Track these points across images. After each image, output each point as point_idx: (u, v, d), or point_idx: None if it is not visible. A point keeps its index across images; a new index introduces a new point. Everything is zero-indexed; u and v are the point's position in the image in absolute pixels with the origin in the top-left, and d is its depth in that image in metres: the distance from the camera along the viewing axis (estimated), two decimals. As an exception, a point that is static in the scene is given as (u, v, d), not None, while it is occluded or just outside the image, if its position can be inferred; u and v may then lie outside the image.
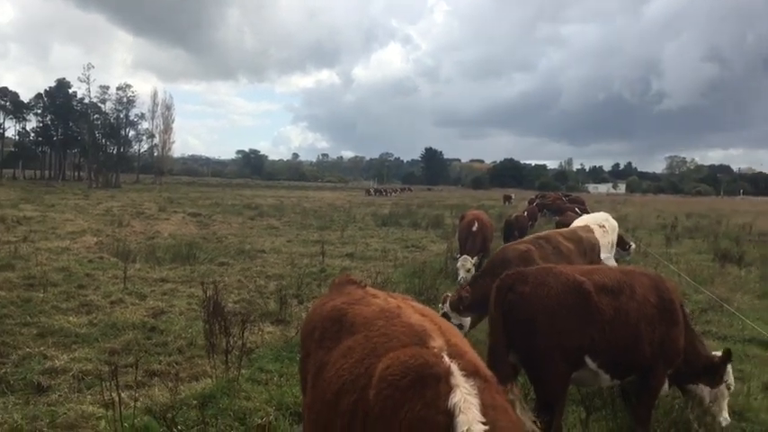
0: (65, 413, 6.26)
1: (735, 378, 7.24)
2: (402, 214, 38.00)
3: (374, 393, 3.10)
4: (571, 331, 5.50)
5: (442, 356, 3.09)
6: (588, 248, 10.15)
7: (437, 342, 3.25)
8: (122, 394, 6.38)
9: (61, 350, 8.42)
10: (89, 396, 6.82)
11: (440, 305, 8.56)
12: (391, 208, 45.80)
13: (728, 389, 6.23)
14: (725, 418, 6.14)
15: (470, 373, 3.02)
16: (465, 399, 2.83)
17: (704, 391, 6.18)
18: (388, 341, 3.40)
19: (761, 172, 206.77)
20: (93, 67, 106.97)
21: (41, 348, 8.38)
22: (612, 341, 5.57)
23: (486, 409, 2.84)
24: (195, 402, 6.55)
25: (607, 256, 11.66)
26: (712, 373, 6.11)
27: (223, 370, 7.47)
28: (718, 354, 6.17)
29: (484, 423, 2.76)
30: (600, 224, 13.22)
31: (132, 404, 6.27)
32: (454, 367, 3.00)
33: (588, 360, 5.59)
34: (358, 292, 4.19)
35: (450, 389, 2.88)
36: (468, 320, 8.50)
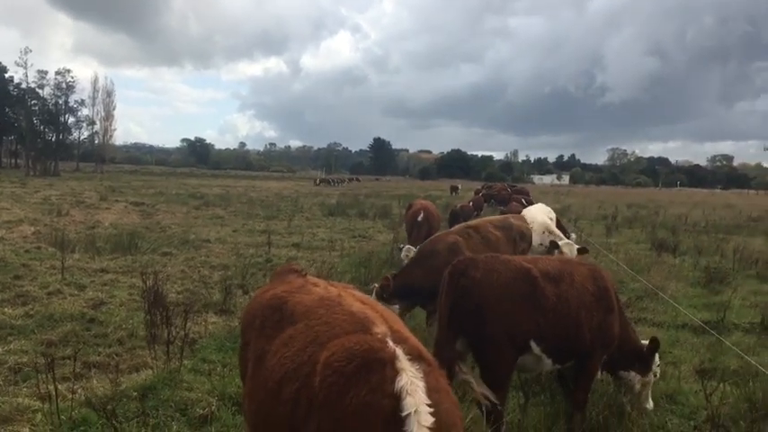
0: (0, 405, 6.09)
1: (667, 362, 7.60)
2: (349, 204, 38.00)
3: (319, 380, 3.11)
4: (519, 316, 5.68)
5: (387, 342, 3.11)
6: (518, 236, 10.25)
7: (380, 328, 3.28)
8: (60, 387, 6.30)
9: (-4, 342, 8.16)
10: (25, 389, 6.64)
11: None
12: (339, 198, 45.71)
13: (654, 376, 6.54)
14: (650, 404, 6.47)
15: (415, 357, 3.06)
16: (411, 381, 2.85)
17: (635, 378, 6.46)
18: (330, 329, 3.41)
19: (697, 164, 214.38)
20: (31, 51, 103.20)
21: (-25, 341, 8.12)
22: (556, 327, 5.77)
23: (430, 392, 2.88)
24: (135, 394, 6.46)
25: (566, 242, 11.84)
26: (643, 361, 6.41)
27: (164, 361, 7.38)
28: (647, 342, 6.45)
29: (429, 405, 2.81)
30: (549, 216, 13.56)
31: (70, 396, 6.16)
32: (399, 352, 3.02)
33: (533, 345, 5.75)
34: (298, 281, 4.19)
35: (396, 373, 2.90)
36: (395, 308, 8.57)
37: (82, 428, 5.67)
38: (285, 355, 3.49)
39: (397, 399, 2.81)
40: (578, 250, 11.38)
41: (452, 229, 10.60)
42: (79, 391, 6.53)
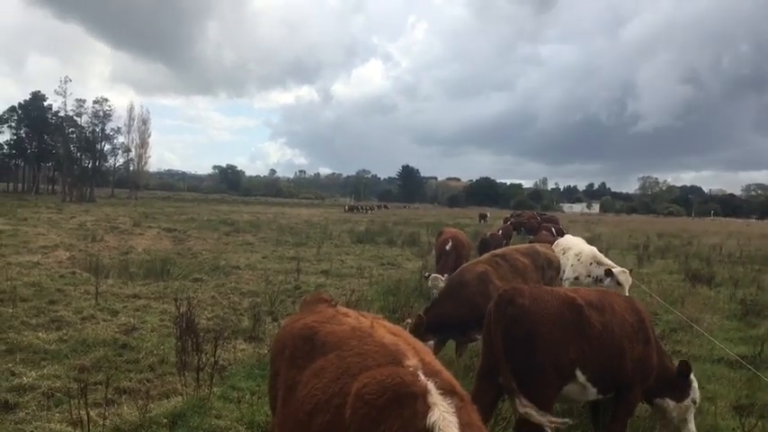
0: (32, 431, 6.17)
1: (703, 398, 7.41)
2: (378, 231, 38.04)
3: (350, 413, 3.10)
4: (567, 344, 5.70)
5: (419, 375, 3.10)
6: (546, 264, 10.19)
7: (412, 361, 3.27)
8: (91, 412, 6.35)
9: (30, 367, 8.26)
10: (57, 414, 6.71)
11: None
12: (367, 225, 45.80)
13: (694, 403, 6.44)
14: (692, 426, 6.38)
15: (447, 391, 3.05)
16: (443, 417, 2.84)
17: (670, 404, 6.42)
18: (362, 360, 3.40)
19: (731, 194, 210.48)
20: (71, 80, 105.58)
21: (9, 365, 8.22)
22: (601, 355, 5.81)
23: (463, 428, 2.87)
24: (165, 421, 6.50)
25: (621, 270, 11.60)
26: (677, 387, 6.39)
27: (194, 388, 7.42)
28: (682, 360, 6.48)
29: None
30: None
31: (101, 422, 6.22)
32: (431, 386, 3.01)
33: (579, 373, 5.77)
34: (329, 311, 4.20)
35: (427, 408, 2.88)
36: (430, 344, 8.48)
37: (113, 455, 5.70)
38: (316, 386, 3.49)
39: None
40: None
41: (480, 258, 10.56)
42: (110, 417, 6.59)
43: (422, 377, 3.09)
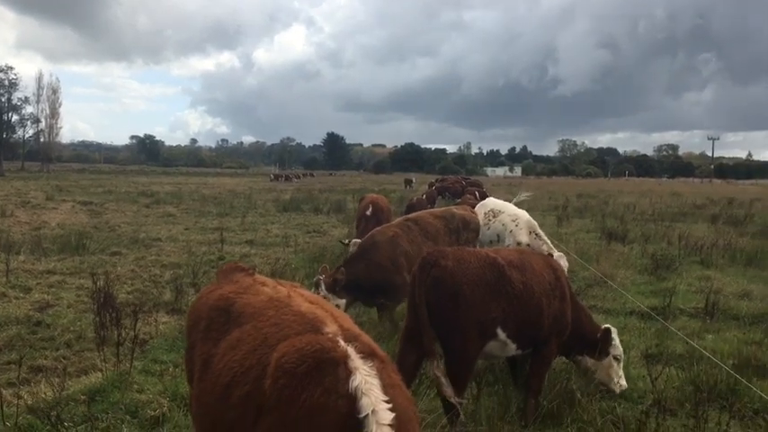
0: (-61, 416, 5.88)
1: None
2: (304, 200, 37.79)
3: (270, 383, 3.05)
4: (489, 303, 5.88)
5: (338, 341, 3.09)
6: (461, 226, 10.26)
7: (331, 327, 3.26)
8: (5, 392, 6.11)
9: (-65, 349, 7.88)
10: (-33, 396, 6.43)
11: (313, 289, 8.37)
12: (293, 193, 45.44)
13: (617, 360, 6.76)
14: (619, 384, 6.76)
15: (367, 354, 3.05)
16: (365, 380, 2.83)
17: (589, 362, 6.78)
18: (279, 330, 3.36)
19: (645, 154, 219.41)
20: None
21: None
22: (521, 313, 6.02)
23: (386, 389, 2.87)
24: (84, 398, 6.30)
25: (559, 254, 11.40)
26: (596, 346, 6.68)
27: (114, 363, 7.22)
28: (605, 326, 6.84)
29: (386, 402, 2.79)
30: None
31: (16, 402, 6.00)
32: (351, 350, 3.00)
33: (500, 331, 5.97)
34: (246, 280, 4.13)
35: (349, 372, 2.88)
36: (343, 302, 8.60)
37: (28, 435, 5.51)
38: (233, 359, 3.43)
39: (352, 399, 2.79)
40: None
41: (392, 222, 10.65)
42: (24, 396, 6.37)
43: (341, 342, 3.08)
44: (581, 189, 66.00)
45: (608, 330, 6.75)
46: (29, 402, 6.19)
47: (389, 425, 2.74)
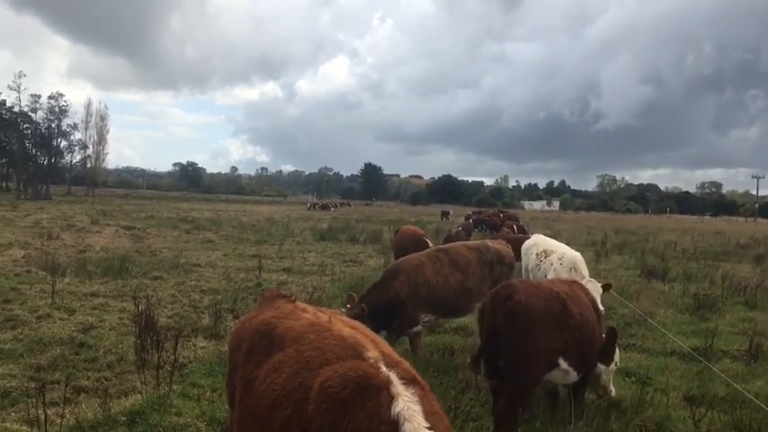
0: (-14, 432, 6.06)
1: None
2: (341, 229, 38.01)
3: (313, 408, 3.12)
4: (555, 335, 6.28)
5: (380, 367, 3.14)
6: (495, 260, 10.08)
7: (372, 353, 3.31)
8: (49, 411, 6.26)
9: (-16, 367, 8.10)
10: (13, 413, 6.59)
11: None
12: (330, 222, 45.73)
13: (616, 365, 7.35)
14: (611, 389, 7.40)
15: (409, 381, 3.10)
16: (408, 407, 2.89)
17: (601, 369, 7.19)
18: (321, 354, 3.43)
19: (687, 191, 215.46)
20: (25, 75, 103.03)
21: (-37, 365, 8.06)
22: (579, 343, 6.44)
23: (427, 415, 2.92)
24: (124, 419, 6.43)
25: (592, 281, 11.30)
26: (607, 353, 7.02)
27: (154, 386, 7.33)
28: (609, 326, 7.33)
29: (429, 428, 2.84)
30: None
31: (59, 421, 6.15)
32: (393, 376, 3.06)
33: (561, 361, 6.35)
34: (287, 307, 4.22)
35: (391, 398, 2.93)
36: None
37: (70, 453, 5.64)
38: (275, 381, 3.50)
39: (394, 425, 2.84)
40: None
41: (422, 252, 10.63)
42: (68, 415, 6.51)
43: (383, 368, 3.13)
44: (620, 225, 65.10)
45: (614, 330, 7.12)
46: (71, 422, 6.34)
47: None
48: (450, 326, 11.55)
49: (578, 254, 12.25)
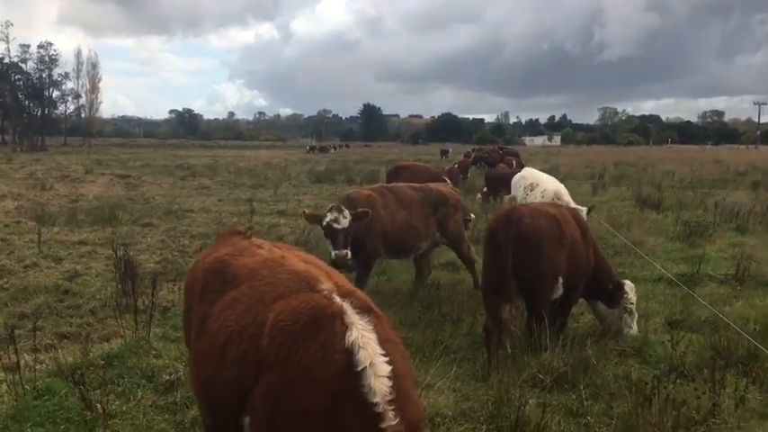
0: (-35, 379, 6.08)
1: (639, 315, 7.70)
2: (338, 171, 37.86)
3: (267, 342, 3.10)
4: (559, 254, 6.83)
5: (333, 297, 3.13)
6: (439, 201, 9.82)
7: (326, 285, 3.29)
8: (28, 357, 6.30)
9: (-34, 316, 8.12)
10: (-8, 361, 6.62)
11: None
12: (327, 165, 45.55)
13: (628, 312, 7.41)
14: (631, 330, 7.42)
15: (363, 310, 3.09)
16: (362, 335, 2.87)
17: (601, 307, 7.59)
18: (274, 289, 3.41)
19: (688, 121, 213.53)
20: (12, 24, 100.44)
21: (-54, 314, 8.08)
22: (569, 262, 6.95)
23: (382, 343, 2.91)
24: (102, 363, 6.48)
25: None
26: (610, 295, 7.45)
27: (134, 329, 7.37)
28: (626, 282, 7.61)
29: (383, 355, 2.83)
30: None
31: (35, 367, 6.18)
32: (347, 306, 3.05)
33: (560, 278, 6.95)
34: (242, 243, 4.16)
35: (345, 327, 2.92)
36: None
37: (46, 397, 5.66)
38: (229, 318, 3.48)
39: (349, 354, 2.82)
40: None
41: (370, 186, 10.47)
42: (46, 360, 6.54)
43: (336, 299, 3.12)
44: (620, 157, 64.64)
45: (621, 283, 7.49)
46: (50, 367, 6.36)
47: (387, 377, 2.77)
48: (438, 261, 11.55)
49: (561, 185, 12.35)
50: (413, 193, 9.73)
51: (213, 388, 3.47)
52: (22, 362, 5.97)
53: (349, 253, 8.07)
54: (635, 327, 7.46)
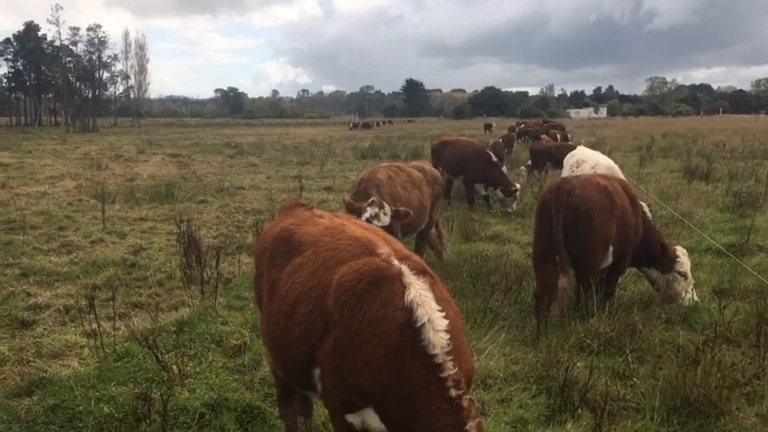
0: (50, 344, 6.57)
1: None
2: (382, 147, 37.99)
3: (332, 301, 3.42)
4: (609, 224, 7.02)
5: (392, 260, 3.41)
6: (432, 180, 9.98)
7: (384, 249, 3.58)
8: (104, 324, 6.78)
9: (44, 288, 8.69)
10: (72, 328, 7.12)
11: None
12: (371, 141, 45.73)
13: (682, 275, 7.53)
14: (687, 299, 7.53)
15: (420, 271, 3.37)
16: (420, 294, 3.14)
17: (654, 273, 7.78)
18: (336, 254, 3.72)
19: (741, 89, 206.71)
20: (62, 8, 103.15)
21: (25, 287, 8.66)
22: (620, 231, 7.14)
23: (438, 302, 3.18)
24: (173, 329, 6.93)
25: None
26: (662, 261, 7.63)
27: (201, 299, 7.82)
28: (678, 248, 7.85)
29: (440, 311, 3.10)
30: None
31: (113, 333, 6.66)
32: (405, 268, 3.32)
33: (610, 247, 7.15)
34: (305, 214, 4.50)
35: (404, 287, 3.19)
36: None
37: (126, 360, 6.14)
38: (296, 281, 3.82)
39: (408, 311, 3.10)
40: None
41: (384, 165, 10.46)
42: (122, 327, 7.03)
43: (395, 261, 3.40)
44: (669, 128, 63.32)
45: (673, 248, 7.70)
46: (125, 333, 6.86)
47: (445, 330, 3.06)
48: (485, 234, 11.79)
49: (612, 161, 12.20)
50: (419, 173, 9.85)
51: (284, 344, 3.84)
52: (100, 329, 6.44)
53: None
54: (691, 292, 7.61)
